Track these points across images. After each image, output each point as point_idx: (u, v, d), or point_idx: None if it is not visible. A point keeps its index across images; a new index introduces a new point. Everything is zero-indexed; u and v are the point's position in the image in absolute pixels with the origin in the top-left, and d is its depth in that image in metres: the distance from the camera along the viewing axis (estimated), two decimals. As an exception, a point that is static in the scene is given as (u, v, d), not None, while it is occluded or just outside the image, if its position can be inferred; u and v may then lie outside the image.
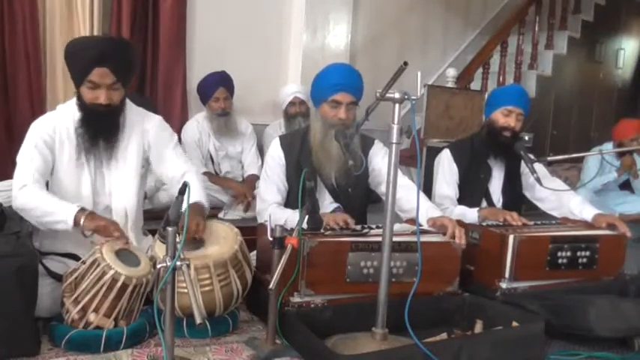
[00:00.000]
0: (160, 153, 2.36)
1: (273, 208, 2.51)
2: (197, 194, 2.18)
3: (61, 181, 2.22)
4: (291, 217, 2.38)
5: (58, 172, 2.22)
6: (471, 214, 2.74)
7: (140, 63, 3.77)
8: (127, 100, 2.31)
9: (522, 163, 2.87)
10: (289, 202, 2.57)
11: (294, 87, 4.16)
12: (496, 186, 2.94)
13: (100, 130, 2.22)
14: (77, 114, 2.22)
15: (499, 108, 2.86)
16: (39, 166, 2.15)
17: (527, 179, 2.91)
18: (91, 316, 1.87)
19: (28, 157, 2.15)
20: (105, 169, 2.27)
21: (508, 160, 2.91)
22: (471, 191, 2.91)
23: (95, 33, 3.59)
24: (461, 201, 2.90)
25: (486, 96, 3.00)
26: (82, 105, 2.20)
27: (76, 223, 2.01)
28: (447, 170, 2.93)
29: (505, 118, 2.84)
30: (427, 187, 3.00)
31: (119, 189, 2.28)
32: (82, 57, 2.13)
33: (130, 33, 3.78)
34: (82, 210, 2.04)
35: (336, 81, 2.47)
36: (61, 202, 2.09)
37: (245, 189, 3.61)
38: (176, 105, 4.06)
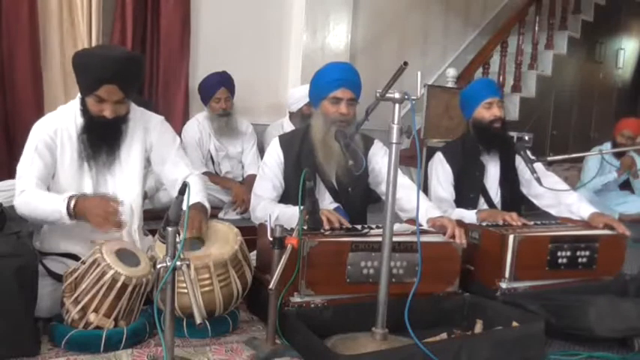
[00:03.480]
0: (163, 154, 2.35)
1: (265, 203, 2.51)
2: (198, 197, 2.18)
3: (62, 183, 2.21)
4: (282, 212, 2.37)
5: (59, 174, 2.21)
6: (469, 217, 2.73)
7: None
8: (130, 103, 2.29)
9: (516, 156, 2.88)
10: (287, 202, 2.56)
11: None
12: (492, 181, 2.93)
13: (103, 139, 2.20)
14: (80, 119, 2.20)
15: (479, 104, 2.88)
16: (39, 171, 2.13)
17: (523, 175, 2.92)
18: (91, 316, 1.87)
19: (29, 161, 2.14)
20: (108, 172, 2.25)
21: (502, 152, 2.91)
22: (468, 190, 2.91)
23: (94, 34, 3.58)
24: (458, 200, 2.89)
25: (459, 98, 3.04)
26: (86, 113, 2.17)
27: (69, 211, 2.01)
28: (440, 172, 2.93)
29: (489, 111, 2.86)
30: (427, 187, 3.00)
31: (123, 190, 2.27)
32: (92, 73, 2.09)
33: (132, 34, 3.78)
34: (72, 197, 2.03)
35: (336, 77, 2.48)
36: (52, 195, 2.08)
37: (244, 193, 3.61)
38: (178, 105, 4.07)
